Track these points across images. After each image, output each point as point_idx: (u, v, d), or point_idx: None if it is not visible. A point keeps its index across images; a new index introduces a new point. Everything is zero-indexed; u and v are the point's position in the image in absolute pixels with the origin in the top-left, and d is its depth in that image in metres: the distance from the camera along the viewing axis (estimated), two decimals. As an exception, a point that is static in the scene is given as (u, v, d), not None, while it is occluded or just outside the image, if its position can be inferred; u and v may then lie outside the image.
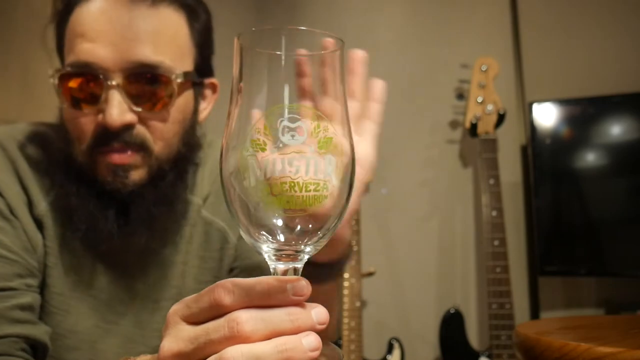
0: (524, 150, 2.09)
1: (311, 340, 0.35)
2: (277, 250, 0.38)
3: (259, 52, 0.35)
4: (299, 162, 0.34)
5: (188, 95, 0.75)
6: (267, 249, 0.38)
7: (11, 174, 0.72)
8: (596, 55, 2.01)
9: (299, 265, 0.39)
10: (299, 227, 0.36)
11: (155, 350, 0.73)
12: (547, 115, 1.92)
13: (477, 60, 1.96)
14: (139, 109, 0.69)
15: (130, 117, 0.68)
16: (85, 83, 0.68)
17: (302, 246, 0.38)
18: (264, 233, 0.36)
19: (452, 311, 1.92)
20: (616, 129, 1.85)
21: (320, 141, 0.34)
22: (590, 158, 1.88)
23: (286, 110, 0.34)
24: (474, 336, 2.03)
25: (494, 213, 1.82)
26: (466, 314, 1.96)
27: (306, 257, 0.39)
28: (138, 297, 0.79)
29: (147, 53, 0.68)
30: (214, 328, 0.36)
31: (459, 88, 2.07)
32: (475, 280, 2.09)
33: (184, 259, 0.82)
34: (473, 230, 2.11)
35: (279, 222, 0.36)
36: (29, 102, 2.22)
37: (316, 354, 0.35)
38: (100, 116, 0.68)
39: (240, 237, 0.86)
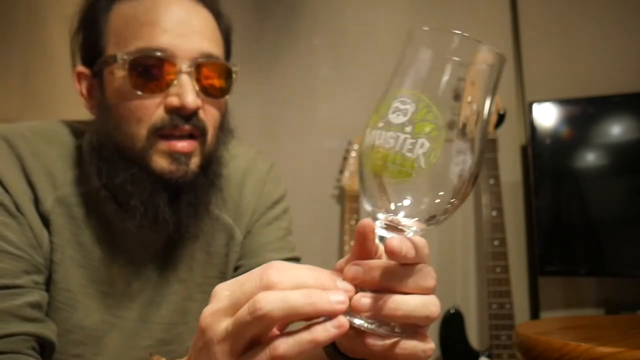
0: (524, 150, 2.09)
1: (338, 294, 0.39)
2: (384, 220, 0.42)
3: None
4: (393, 137, 0.39)
5: None
6: (380, 217, 0.43)
7: (18, 171, 0.72)
8: (596, 55, 2.01)
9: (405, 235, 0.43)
10: (399, 198, 0.41)
11: (158, 342, 0.74)
12: (547, 115, 1.92)
13: (476, 56, 1.96)
14: (204, 96, 0.74)
15: (199, 102, 0.73)
16: (157, 68, 0.71)
17: (401, 220, 0.42)
18: (375, 199, 0.42)
19: (452, 311, 1.92)
20: (616, 129, 1.85)
21: (420, 125, 0.39)
22: (590, 158, 1.88)
23: (403, 94, 0.40)
24: (474, 336, 2.03)
25: (494, 213, 1.82)
26: (466, 314, 1.96)
27: (411, 232, 0.43)
28: (145, 291, 0.80)
29: (210, 45, 0.75)
30: (247, 279, 0.40)
31: (456, 89, 2.06)
32: (475, 280, 2.09)
33: (191, 253, 0.83)
34: (473, 230, 2.11)
35: (375, 191, 0.41)
36: (29, 102, 2.22)
37: (341, 307, 0.39)
38: (172, 99, 0.71)
39: (246, 235, 0.86)
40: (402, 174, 0.39)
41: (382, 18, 2.28)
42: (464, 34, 0.42)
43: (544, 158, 1.91)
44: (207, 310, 0.41)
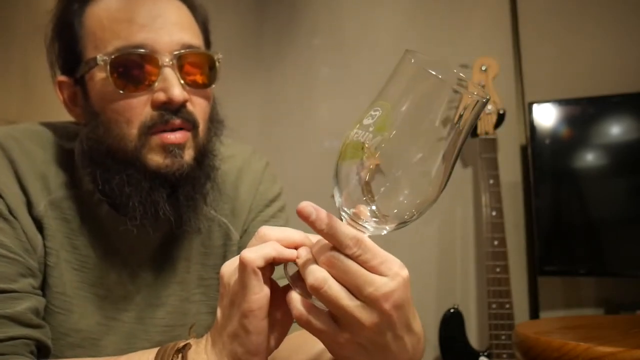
0: (523, 150, 2.09)
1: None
2: (349, 215, 0.49)
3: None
4: (358, 133, 0.48)
5: None
6: (345, 210, 0.50)
7: (10, 174, 0.72)
8: (596, 55, 2.01)
9: (371, 231, 0.50)
10: (355, 184, 0.48)
11: (156, 345, 0.74)
12: (546, 116, 1.92)
13: (476, 60, 1.96)
14: (189, 87, 0.73)
15: (186, 94, 0.72)
16: (138, 65, 0.70)
17: (363, 206, 0.48)
18: (340, 193, 0.49)
19: (451, 311, 1.93)
20: (616, 129, 1.85)
21: (376, 122, 0.47)
22: (590, 158, 1.88)
23: (377, 105, 0.48)
24: (473, 336, 2.03)
25: (494, 213, 1.82)
26: (466, 313, 1.96)
27: (371, 229, 0.49)
28: (141, 294, 0.79)
29: (189, 37, 0.74)
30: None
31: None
32: (475, 280, 2.09)
33: (187, 254, 0.83)
34: (473, 230, 2.11)
35: (345, 184, 0.49)
36: (29, 102, 2.22)
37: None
38: (158, 95, 0.71)
39: (243, 234, 0.86)
40: (353, 154, 0.47)
41: (382, 18, 2.28)
42: (458, 75, 0.50)
43: (544, 158, 1.91)
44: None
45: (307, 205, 0.48)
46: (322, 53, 2.37)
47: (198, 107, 0.74)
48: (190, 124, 0.73)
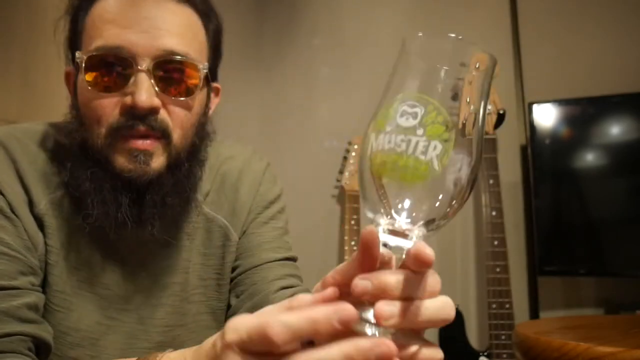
0: (523, 150, 2.09)
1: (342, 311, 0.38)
2: (386, 225, 0.42)
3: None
4: (404, 140, 0.39)
5: (204, 90, 0.78)
6: (382, 222, 0.42)
7: (12, 173, 0.72)
8: (596, 55, 2.01)
9: (408, 245, 0.41)
10: (401, 203, 0.41)
11: (157, 345, 0.73)
12: (546, 116, 1.92)
13: (472, 57, 1.96)
14: (165, 95, 0.71)
15: (157, 101, 0.70)
16: (113, 66, 0.70)
17: (408, 225, 0.41)
18: (378, 205, 0.41)
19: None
20: (616, 129, 1.85)
21: (431, 127, 0.39)
22: (590, 158, 1.88)
23: (410, 98, 0.40)
24: (473, 336, 2.03)
25: (494, 213, 1.82)
26: (466, 313, 1.96)
27: (414, 237, 0.42)
28: (141, 294, 0.79)
29: (176, 43, 0.72)
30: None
31: (454, 87, 2.07)
32: (475, 280, 2.09)
33: (187, 255, 0.83)
34: (473, 230, 2.11)
35: (377, 196, 0.41)
36: (29, 102, 2.22)
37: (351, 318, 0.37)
38: (127, 98, 0.69)
39: (242, 236, 0.86)
40: (416, 177, 0.39)
41: (382, 18, 2.28)
42: (458, 37, 0.43)
43: (544, 158, 1.91)
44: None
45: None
46: (322, 53, 2.37)
47: (174, 116, 0.73)
48: (158, 132, 0.71)
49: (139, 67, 0.69)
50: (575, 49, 2.04)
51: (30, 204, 0.73)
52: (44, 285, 0.73)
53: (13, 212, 0.70)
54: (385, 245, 0.42)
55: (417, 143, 0.39)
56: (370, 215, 0.43)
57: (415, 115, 0.39)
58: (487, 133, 1.89)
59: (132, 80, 0.69)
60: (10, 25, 2.27)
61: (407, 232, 0.42)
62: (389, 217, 0.41)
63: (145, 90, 0.68)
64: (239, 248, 0.85)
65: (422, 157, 0.39)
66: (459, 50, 0.42)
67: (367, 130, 0.42)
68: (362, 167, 0.42)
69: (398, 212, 0.41)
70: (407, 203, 0.40)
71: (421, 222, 0.41)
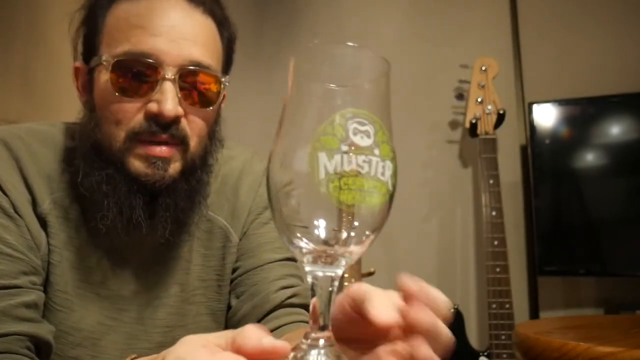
0: (523, 150, 2.09)
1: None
2: (317, 251, 0.39)
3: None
4: (366, 161, 0.37)
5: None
6: (306, 250, 0.39)
7: (15, 173, 0.73)
8: (596, 55, 2.01)
9: (338, 272, 0.40)
10: (348, 225, 0.38)
11: (157, 345, 0.73)
12: (546, 116, 1.92)
13: (476, 60, 1.96)
14: (187, 104, 0.72)
15: (181, 111, 0.71)
16: (139, 72, 0.70)
17: (342, 248, 0.39)
18: (309, 231, 0.38)
19: (451, 311, 1.92)
20: (616, 129, 1.85)
21: (383, 147, 0.38)
22: (589, 158, 1.88)
23: (355, 115, 0.37)
24: (473, 336, 2.03)
25: (494, 213, 1.82)
26: (466, 313, 1.96)
27: (344, 262, 0.39)
28: (142, 294, 0.79)
29: (201, 54, 0.73)
30: None
31: (458, 88, 2.07)
32: (475, 280, 2.09)
33: (188, 256, 0.83)
34: (473, 230, 2.11)
35: (331, 219, 0.38)
36: (29, 102, 2.22)
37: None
38: (152, 105, 0.70)
39: (242, 237, 0.86)
40: (378, 199, 0.38)
41: (382, 18, 2.28)
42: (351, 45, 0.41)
43: (544, 158, 1.91)
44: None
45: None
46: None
47: (193, 125, 0.74)
48: (177, 140, 0.72)
49: (166, 76, 0.70)
50: (575, 49, 2.04)
51: (34, 203, 0.73)
52: (46, 285, 0.74)
53: (16, 211, 0.71)
54: (314, 278, 0.40)
55: (377, 164, 0.37)
56: (303, 244, 0.39)
57: (368, 134, 0.37)
58: (487, 133, 1.89)
59: (157, 87, 0.70)
60: (10, 25, 2.27)
61: (339, 257, 0.39)
62: (330, 243, 0.38)
63: (171, 100, 0.70)
64: (240, 249, 0.85)
65: (382, 178, 0.38)
66: (356, 59, 0.41)
67: (301, 150, 0.38)
68: (307, 191, 0.38)
69: (348, 237, 0.38)
70: (361, 226, 0.38)
71: (349, 242, 0.39)
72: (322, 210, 0.37)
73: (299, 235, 0.38)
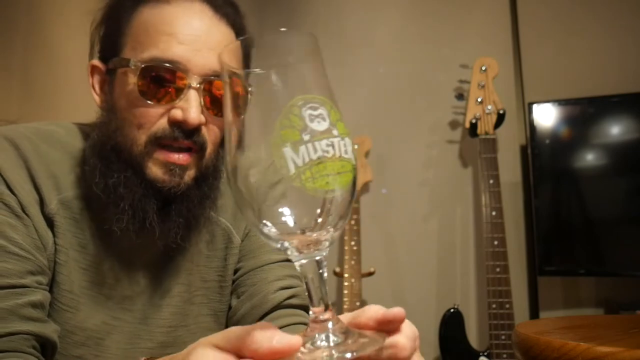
0: (523, 150, 2.09)
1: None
2: (301, 242, 0.39)
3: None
4: (329, 144, 0.37)
5: None
6: (289, 244, 0.40)
7: (24, 173, 0.73)
8: (596, 56, 2.01)
9: (322, 255, 0.41)
10: (329, 208, 0.38)
11: (159, 345, 0.73)
12: (546, 116, 1.92)
13: (476, 60, 1.96)
14: (208, 113, 0.74)
15: (204, 119, 0.73)
16: (166, 79, 0.72)
17: (326, 231, 0.39)
18: (290, 223, 0.38)
19: (451, 311, 1.93)
20: (616, 129, 1.85)
21: (339, 125, 0.38)
22: (589, 158, 1.88)
23: (306, 101, 0.38)
24: (473, 336, 2.03)
25: (494, 213, 1.83)
26: (466, 313, 1.96)
27: (327, 244, 0.40)
28: (146, 294, 0.80)
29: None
30: None
31: (458, 88, 2.07)
32: (475, 280, 2.09)
33: (191, 257, 0.84)
34: (473, 230, 2.11)
35: (315, 206, 0.38)
36: (29, 102, 2.22)
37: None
38: (176, 112, 0.72)
39: (244, 238, 0.87)
40: (348, 177, 0.38)
41: (382, 18, 2.28)
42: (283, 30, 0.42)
43: (544, 158, 1.91)
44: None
45: None
46: (322, 53, 2.37)
47: (211, 132, 0.75)
48: (197, 147, 0.74)
49: (192, 84, 0.72)
50: (575, 49, 2.04)
51: (41, 203, 0.73)
52: (52, 284, 0.74)
53: (24, 211, 0.71)
54: (302, 266, 0.41)
55: (339, 144, 0.38)
56: (268, 238, 0.40)
57: (323, 117, 0.38)
58: (487, 133, 1.89)
59: (183, 95, 0.72)
60: (11, 26, 2.27)
61: (321, 242, 0.40)
62: (311, 230, 0.39)
63: (195, 108, 0.71)
64: (242, 250, 0.86)
65: (346, 156, 0.38)
66: (290, 42, 0.41)
67: (265, 150, 0.37)
68: (278, 188, 0.38)
69: (327, 219, 0.39)
70: (338, 205, 0.39)
71: (333, 223, 0.40)
72: (299, 202, 0.38)
73: (278, 232, 0.39)
